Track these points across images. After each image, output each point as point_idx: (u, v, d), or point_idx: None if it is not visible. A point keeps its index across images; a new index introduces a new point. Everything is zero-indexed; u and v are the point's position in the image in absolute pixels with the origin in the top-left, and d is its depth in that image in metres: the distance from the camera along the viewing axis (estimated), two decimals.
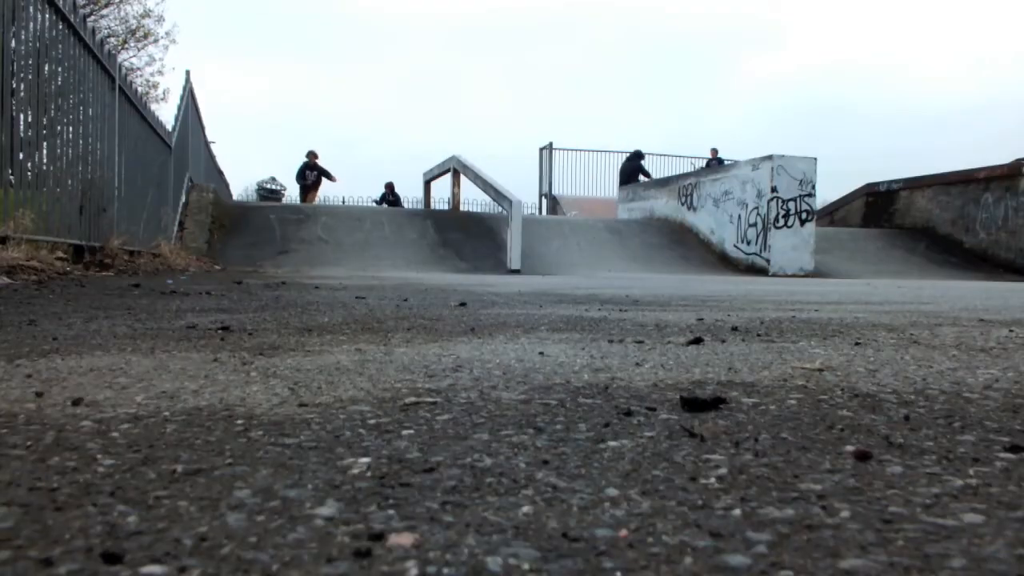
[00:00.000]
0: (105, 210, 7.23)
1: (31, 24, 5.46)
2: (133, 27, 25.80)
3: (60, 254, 5.85)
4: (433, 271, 10.85)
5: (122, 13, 25.49)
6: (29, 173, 5.61)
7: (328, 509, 0.66)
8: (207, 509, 0.66)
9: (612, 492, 0.72)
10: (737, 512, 0.67)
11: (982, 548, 0.60)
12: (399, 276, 8.25)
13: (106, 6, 24.79)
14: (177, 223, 11.70)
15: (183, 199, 12.65)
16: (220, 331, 2.12)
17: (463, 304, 3.44)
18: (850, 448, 0.90)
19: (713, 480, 0.77)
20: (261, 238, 12.64)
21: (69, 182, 6.39)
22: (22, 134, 5.41)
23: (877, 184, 18.78)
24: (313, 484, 0.73)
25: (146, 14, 25.80)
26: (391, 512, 0.66)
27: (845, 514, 0.67)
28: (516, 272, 11.53)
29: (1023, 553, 0.60)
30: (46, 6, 5.69)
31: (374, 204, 21.02)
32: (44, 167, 5.94)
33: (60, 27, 6.03)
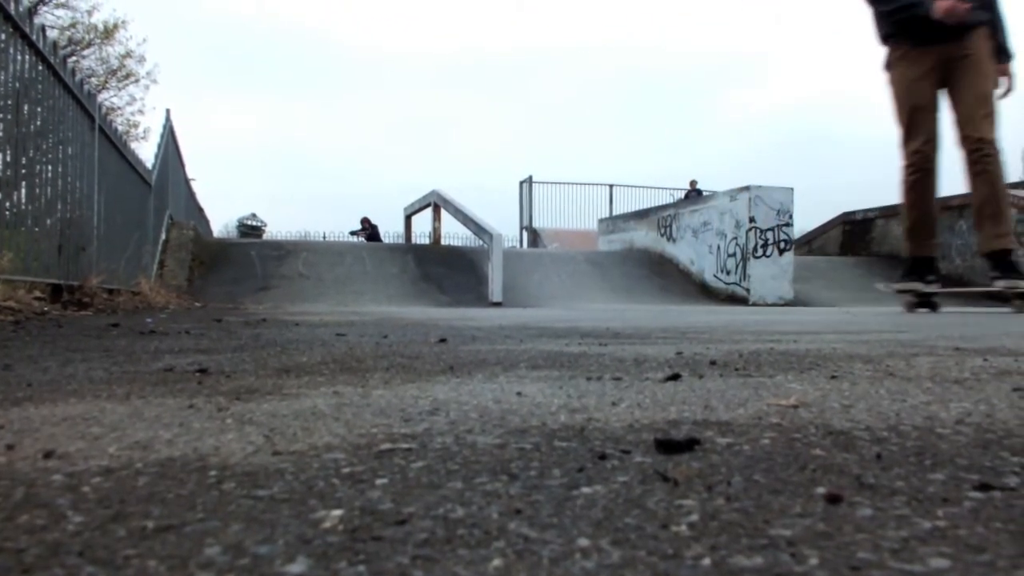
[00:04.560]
0: (84, 249, 7.20)
1: (11, 66, 5.47)
2: (114, 67, 25.91)
3: (38, 294, 5.81)
4: (415, 305, 10.84)
5: (103, 54, 25.63)
6: (7, 213, 5.58)
7: (298, 567, 0.66)
8: (176, 569, 0.66)
9: (584, 542, 0.73)
10: (707, 561, 0.68)
11: None
12: (380, 311, 8.23)
13: (88, 47, 24.88)
14: (157, 260, 11.65)
15: (163, 236, 12.62)
16: (197, 373, 2.11)
17: (443, 340, 3.43)
18: (821, 490, 0.90)
19: (684, 527, 0.77)
20: (242, 274, 12.60)
21: (48, 221, 6.36)
22: (0, 174, 5.39)
23: (853, 213, 19.01)
24: (284, 539, 0.73)
25: (128, 54, 25.94)
26: (361, 568, 0.66)
27: (813, 561, 0.68)
28: (498, 305, 11.54)
29: None
30: (26, 48, 5.70)
31: (352, 238, 20.97)
32: (23, 207, 5.92)
33: (40, 68, 6.04)
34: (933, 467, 1.02)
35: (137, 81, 26.86)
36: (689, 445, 1.13)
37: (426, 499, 0.87)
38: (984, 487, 0.92)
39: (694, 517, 0.80)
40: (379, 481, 0.95)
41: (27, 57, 5.73)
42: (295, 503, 0.85)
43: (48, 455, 1.08)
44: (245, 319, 5.87)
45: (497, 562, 0.67)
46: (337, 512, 0.82)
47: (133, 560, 0.68)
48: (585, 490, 0.91)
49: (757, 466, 1.03)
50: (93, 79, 24.39)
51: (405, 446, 1.15)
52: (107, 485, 0.93)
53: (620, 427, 1.30)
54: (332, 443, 1.17)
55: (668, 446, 1.12)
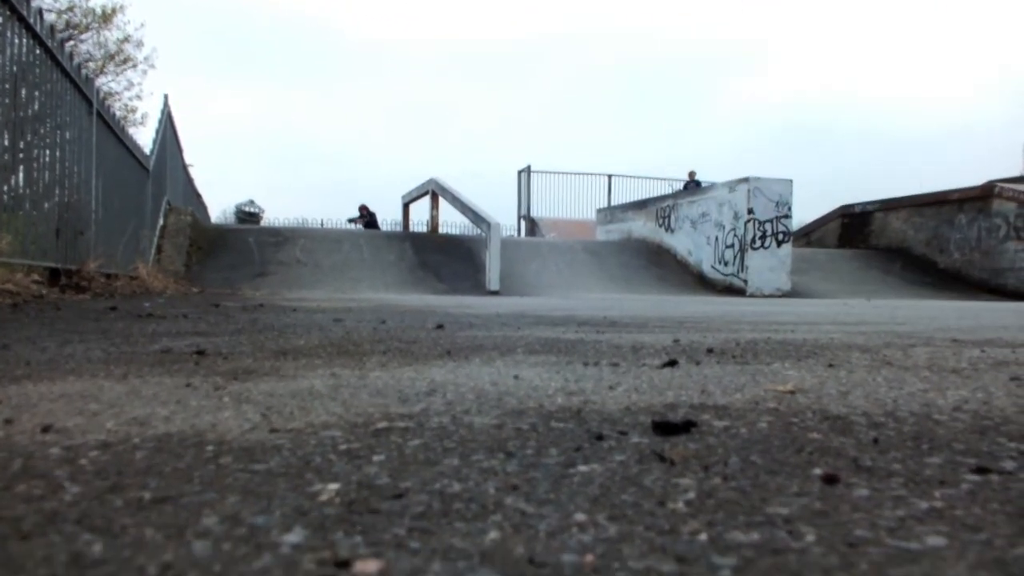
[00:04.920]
0: (82, 233, 7.18)
1: (8, 49, 5.44)
2: (112, 52, 25.74)
3: (36, 277, 5.80)
4: (412, 293, 10.83)
5: (101, 38, 25.44)
6: (5, 197, 5.56)
7: (295, 536, 0.66)
8: (173, 537, 0.66)
9: (580, 517, 0.73)
10: (704, 537, 0.68)
11: (944, 571, 0.61)
12: (378, 298, 8.23)
13: (85, 31, 24.75)
14: (155, 246, 11.63)
15: (161, 222, 12.59)
16: (195, 355, 2.11)
17: (440, 326, 3.43)
18: (818, 471, 0.90)
19: (681, 504, 0.77)
20: (239, 260, 12.58)
21: (46, 205, 6.34)
22: None
23: (852, 206, 19.00)
24: (281, 511, 0.73)
25: (126, 39, 25.77)
26: (358, 539, 0.66)
27: (810, 538, 0.68)
28: (495, 293, 11.54)
29: None
30: (24, 31, 5.67)
31: (350, 225, 20.77)
32: (21, 190, 5.90)
33: (38, 52, 6.00)
34: (930, 451, 1.02)
35: (135, 66, 26.72)
36: (686, 427, 1.13)
37: (423, 475, 0.87)
38: (981, 470, 0.92)
39: (691, 495, 0.81)
40: (376, 457, 0.94)
41: (24, 40, 5.70)
42: (292, 477, 0.85)
43: (46, 429, 1.08)
44: (243, 304, 5.87)
45: (494, 535, 0.68)
46: (334, 486, 0.82)
47: (130, 529, 0.68)
48: (582, 468, 0.91)
49: (754, 448, 1.03)
50: (91, 63, 24.29)
51: (402, 425, 1.15)
52: (104, 458, 0.93)
53: (617, 410, 1.31)
54: (329, 421, 1.17)
55: (665, 428, 1.12)
